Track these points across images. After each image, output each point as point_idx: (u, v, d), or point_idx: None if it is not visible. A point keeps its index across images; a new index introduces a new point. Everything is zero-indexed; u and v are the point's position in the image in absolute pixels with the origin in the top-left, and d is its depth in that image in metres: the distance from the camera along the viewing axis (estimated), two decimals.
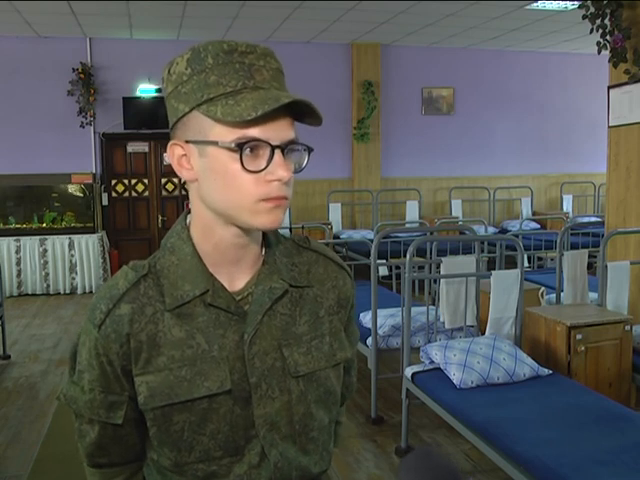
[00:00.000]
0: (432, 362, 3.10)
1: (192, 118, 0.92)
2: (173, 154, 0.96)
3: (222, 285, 0.98)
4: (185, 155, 0.95)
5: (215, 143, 0.90)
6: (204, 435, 0.96)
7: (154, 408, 0.96)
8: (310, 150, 0.96)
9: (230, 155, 0.90)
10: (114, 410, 0.98)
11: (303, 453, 1.02)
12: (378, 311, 3.62)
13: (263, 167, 0.90)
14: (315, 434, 1.03)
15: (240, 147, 0.89)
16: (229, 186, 0.91)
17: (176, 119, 0.95)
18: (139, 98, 7.82)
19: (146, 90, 7.79)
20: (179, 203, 8.37)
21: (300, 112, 0.93)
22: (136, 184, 8.24)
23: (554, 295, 4.06)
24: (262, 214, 0.92)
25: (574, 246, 5.33)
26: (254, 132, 0.89)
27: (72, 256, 7.34)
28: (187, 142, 0.94)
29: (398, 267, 4.66)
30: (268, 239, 1.04)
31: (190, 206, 1.01)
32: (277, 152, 0.90)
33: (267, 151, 0.90)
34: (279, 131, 0.90)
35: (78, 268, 7.37)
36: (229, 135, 0.89)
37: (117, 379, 0.97)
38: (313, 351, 1.02)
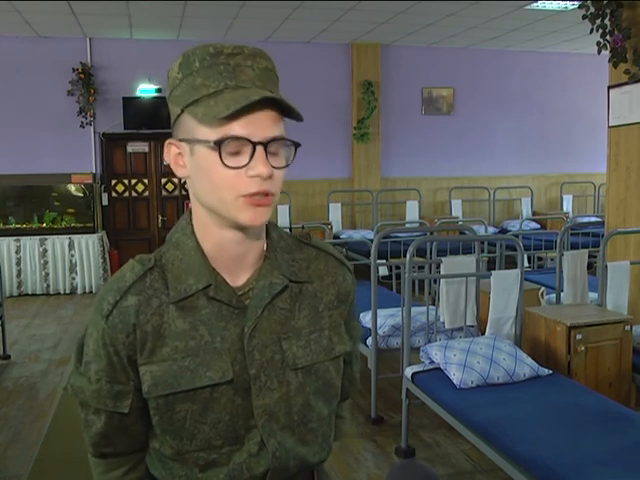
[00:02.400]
0: (432, 362, 3.10)
1: (183, 119, 0.97)
2: (169, 152, 1.01)
3: (224, 279, 1.01)
4: (180, 153, 1.00)
5: (199, 141, 0.94)
6: (205, 424, 0.99)
7: (157, 397, 0.98)
8: (297, 146, 0.98)
9: (213, 153, 0.93)
10: (120, 399, 1.01)
11: (302, 443, 1.04)
12: (378, 311, 3.62)
13: (244, 163, 0.93)
14: (314, 425, 1.06)
15: (218, 145, 0.92)
16: (213, 183, 0.94)
17: (173, 121, 1.00)
18: (139, 98, 7.81)
19: (146, 90, 7.79)
20: (179, 203, 8.37)
21: (285, 108, 0.95)
22: (136, 184, 8.24)
23: (554, 295, 4.05)
24: (244, 210, 0.94)
25: (574, 246, 5.33)
26: (236, 130, 0.92)
27: (72, 256, 7.34)
28: (180, 140, 0.98)
29: (398, 267, 4.66)
30: (270, 236, 1.06)
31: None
32: (258, 149, 0.93)
33: (249, 148, 0.92)
34: (261, 128, 0.93)
35: (78, 268, 7.37)
36: (213, 134, 0.93)
37: (123, 369, 1.00)
38: (312, 344, 1.04)
